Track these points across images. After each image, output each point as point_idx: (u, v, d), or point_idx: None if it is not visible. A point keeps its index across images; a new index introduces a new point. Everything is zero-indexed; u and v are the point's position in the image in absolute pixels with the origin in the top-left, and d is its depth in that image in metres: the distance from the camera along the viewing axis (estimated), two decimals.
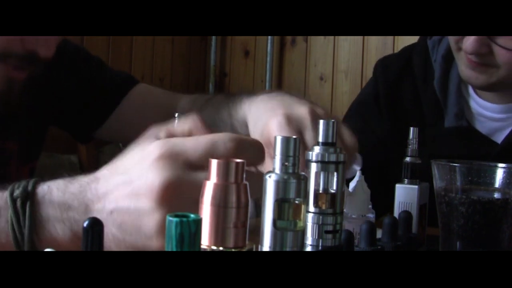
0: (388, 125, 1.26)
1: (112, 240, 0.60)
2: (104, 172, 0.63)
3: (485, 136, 1.19)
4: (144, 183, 0.58)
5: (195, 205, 0.51)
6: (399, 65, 1.29)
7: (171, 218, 0.42)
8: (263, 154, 0.60)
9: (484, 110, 1.20)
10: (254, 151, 0.60)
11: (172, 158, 0.58)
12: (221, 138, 0.59)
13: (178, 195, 0.58)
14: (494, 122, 1.19)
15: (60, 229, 0.62)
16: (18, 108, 0.97)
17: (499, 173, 0.75)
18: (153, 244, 0.59)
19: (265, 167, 0.61)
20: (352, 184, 0.82)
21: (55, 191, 0.63)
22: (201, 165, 0.58)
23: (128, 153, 0.63)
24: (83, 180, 0.63)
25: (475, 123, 1.20)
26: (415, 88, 1.26)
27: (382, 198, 0.92)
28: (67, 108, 1.12)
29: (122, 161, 0.62)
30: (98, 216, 0.59)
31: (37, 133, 1.08)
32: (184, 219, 0.43)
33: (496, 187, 0.75)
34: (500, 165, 0.76)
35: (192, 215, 0.43)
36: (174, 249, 0.42)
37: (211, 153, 0.58)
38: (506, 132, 1.17)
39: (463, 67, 1.12)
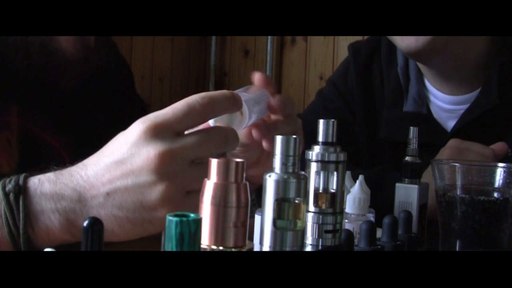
0: (359, 106, 1.31)
1: (115, 220, 0.61)
2: (92, 159, 0.64)
3: (439, 125, 1.22)
4: (139, 159, 0.60)
5: (190, 167, 0.59)
6: (369, 49, 1.34)
7: (171, 218, 0.42)
8: (233, 102, 0.64)
9: (436, 99, 1.23)
10: (225, 101, 0.63)
11: (158, 129, 0.60)
12: (194, 98, 0.62)
13: (173, 162, 0.60)
14: (444, 112, 1.22)
15: (55, 219, 0.63)
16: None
17: (499, 173, 0.75)
18: (159, 214, 0.60)
19: None
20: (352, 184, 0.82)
21: (46, 183, 0.64)
22: (184, 129, 0.62)
23: (112, 140, 0.64)
24: (72, 170, 0.64)
25: (430, 111, 1.24)
26: (381, 72, 1.31)
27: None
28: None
29: (107, 147, 0.64)
30: (95, 202, 0.61)
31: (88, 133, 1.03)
32: (184, 218, 0.42)
33: (496, 187, 0.75)
34: (500, 165, 0.76)
35: (192, 215, 0.43)
36: (174, 249, 0.42)
37: (190, 114, 0.61)
38: (454, 122, 1.20)
39: (400, 37, 1.12)
